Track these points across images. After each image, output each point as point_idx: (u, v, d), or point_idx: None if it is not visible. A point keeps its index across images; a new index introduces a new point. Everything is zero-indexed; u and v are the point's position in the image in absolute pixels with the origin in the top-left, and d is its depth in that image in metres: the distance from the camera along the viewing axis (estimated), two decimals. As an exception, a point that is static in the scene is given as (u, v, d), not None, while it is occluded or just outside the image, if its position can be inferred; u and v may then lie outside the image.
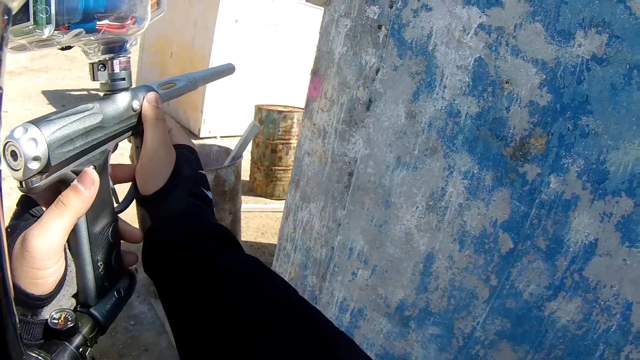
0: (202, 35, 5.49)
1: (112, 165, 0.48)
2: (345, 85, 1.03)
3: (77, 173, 0.40)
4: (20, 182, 0.36)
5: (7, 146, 0.35)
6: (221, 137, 5.77)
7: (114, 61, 0.45)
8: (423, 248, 0.96)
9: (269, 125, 3.77)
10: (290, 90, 6.05)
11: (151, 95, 0.49)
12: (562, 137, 0.83)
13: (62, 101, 6.54)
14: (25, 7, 0.33)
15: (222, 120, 5.76)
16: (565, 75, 0.83)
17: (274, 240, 3.33)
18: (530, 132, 0.86)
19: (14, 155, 0.35)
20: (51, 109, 6.21)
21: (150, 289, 2.25)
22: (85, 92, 7.36)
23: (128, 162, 1.61)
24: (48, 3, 0.33)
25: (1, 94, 0.26)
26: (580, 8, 0.80)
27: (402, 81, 0.96)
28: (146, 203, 0.49)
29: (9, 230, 0.37)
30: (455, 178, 0.91)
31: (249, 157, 4.19)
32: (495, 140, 0.88)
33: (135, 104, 0.47)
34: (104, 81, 0.45)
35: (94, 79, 0.45)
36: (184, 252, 0.44)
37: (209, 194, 0.53)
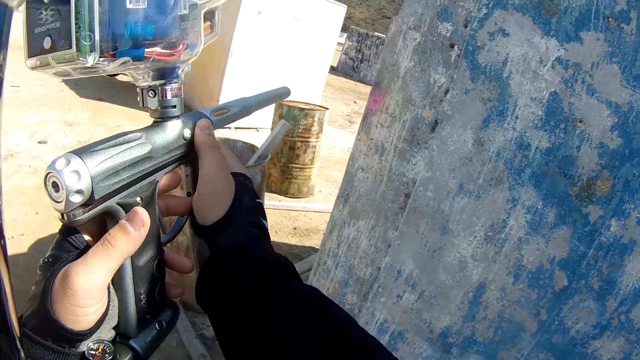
0: (224, 25, 5.73)
1: (165, 196, 0.52)
2: (409, 102, 1.14)
3: (122, 205, 0.42)
4: (62, 215, 0.37)
5: (48, 177, 0.36)
6: (236, 128, 6.06)
7: (166, 87, 0.46)
8: (476, 277, 1.09)
9: (289, 121, 3.97)
10: (309, 86, 6.63)
11: (203, 122, 0.53)
12: (627, 182, 0.96)
13: (76, 80, 6.48)
14: (67, 33, 0.34)
15: (237, 112, 6.19)
16: (636, 121, 0.95)
17: (287, 239, 3.48)
18: (598, 173, 0.98)
19: (55, 186, 0.36)
20: (63, 87, 6.21)
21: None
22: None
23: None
24: (92, 29, 0.35)
25: (1, 78, 0.29)
26: (658, 56, 0.92)
27: (473, 106, 1.07)
28: (205, 233, 0.52)
29: (50, 260, 0.41)
30: (518, 211, 1.04)
31: (265, 152, 4.42)
32: (563, 178, 1.00)
33: (187, 133, 0.50)
34: (153, 108, 0.47)
35: (143, 105, 0.47)
36: (244, 285, 0.48)
37: (266, 223, 0.59)
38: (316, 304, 0.48)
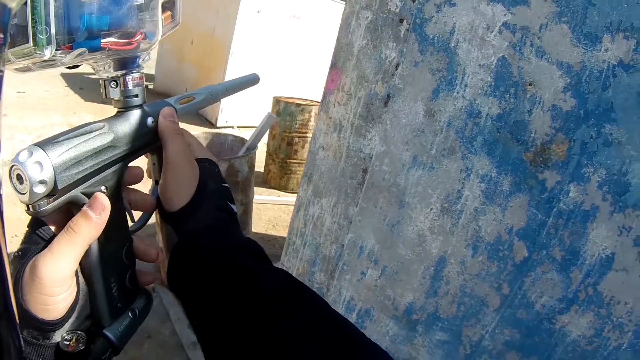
0: (224, 25, 6.04)
1: (130, 190, 0.53)
2: (363, 79, 1.13)
3: (87, 194, 0.42)
4: (27, 206, 0.38)
5: (12, 169, 0.37)
6: (238, 127, 6.27)
7: (127, 77, 0.47)
8: (435, 251, 1.05)
9: (286, 117, 4.08)
10: (309, 83, 6.64)
11: (167, 110, 0.53)
12: (584, 144, 0.90)
13: (81, 84, 6.89)
14: (24, 29, 0.35)
15: (239, 111, 6.32)
16: (590, 80, 0.90)
17: (284, 233, 3.51)
18: (552, 137, 0.93)
19: (19, 178, 0.37)
20: (68, 91, 6.58)
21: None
22: (104, 76, 7.81)
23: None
24: (47, 23, 0.35)
25: (2, 75, 0.29)
26: (608, 11, 0.87)
27: (422, 78, 1.04)
28: (172, 219, 0.52)
29: (19, 253, 0.42)
30: (472, 181, 1.00)
31: (265, 149, 4.49)
32: (516, 144, 0.96)
33: (150, 121, 0.50)
34: (116, 98, 0.47)
35: (106, 96, 0.47)
36: (215, 269, 0.47)
37: (234, 207, 0.58)
38: (290, 291, 0.48)
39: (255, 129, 2.00)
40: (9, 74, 0.33)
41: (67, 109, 5.74)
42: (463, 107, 1.00)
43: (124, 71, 0.46)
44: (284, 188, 4.45)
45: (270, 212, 3.85)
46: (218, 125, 6.09)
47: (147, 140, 0.51)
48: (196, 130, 3.86)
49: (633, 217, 0.88)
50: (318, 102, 4.51)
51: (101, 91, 0.48)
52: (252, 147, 1.99)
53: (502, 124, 0.97)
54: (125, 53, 0.44)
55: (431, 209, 1.05)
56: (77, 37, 0.38)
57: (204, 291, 0.48)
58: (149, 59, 0.49)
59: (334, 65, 1.18)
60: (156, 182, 0.56)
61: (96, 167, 0.43)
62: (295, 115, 4.07)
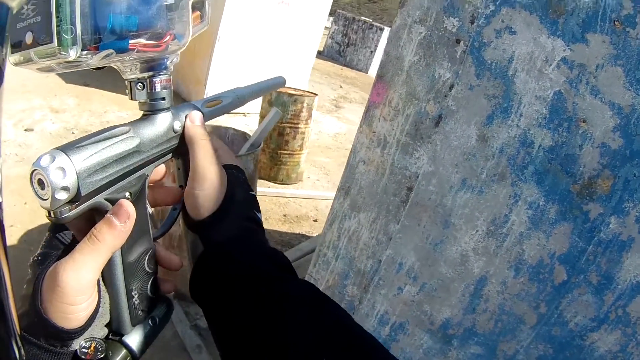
0: (211, 10, 5.82)
1: (152, 187, 0.51)
2: (413, 96, 1.12)
3: (111, 201, 0.41)
4: (49, 212, 0.37)
5: (34, 174, 0.36)
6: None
7: (154, 80, 0.45)
8: (477, 271, 1.10)
9: (277, 107, 4.00)
10: (297, 70, 6.61)
11: (194, 114, 0.51)
12: (627, 182, 0.98)
13: None
14: (48, 27, 0.33)
15: (225, 97, 6.26)
16: (638, 123, 0.96)
17: (277, 226, 3.46)
18: (599, 172, 0.99)
19: (41, 184, 0.36)
20: (44, 74, 6.14)
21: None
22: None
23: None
24: (73, 22, 0.33)
25: (2, 70, 0.29)
26: (661, 61, 0.93)
27: (477, 102, 1.06)
28: (198, 228, 0.51)
29: (39, 258, 0.41)
30: (520, 207, 1.04)
31: (254, 138, 4.41)
32: (565, 176, 1.01)
33: (177, 125, 0.48)
34: (142, 100, 0.46)
35: (131, 98, 0.46)
36: (240, 281, 0.47)
37: (260, 215, 0.58)
38: (314, 302, 0.47)
39: (259, 124, 1.93)
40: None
41: (48, 91, 5.31)
42: (517, 136, 1.04)
43: (151, 73, 0.45)
44: (273, 179, 4.36)
45: (261, 205, 3.76)
46: (204, 112, 5.98)
47: (174, 144, 0.49)
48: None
49: (665, 249, 0.97)
50: (310, 92, 4.41)
51: (126, 92, 0.46)
52: (257, 144, 1.91)
53: (553, 156, 1.02)
54: (153, 55, 0.42)
55: (477, 230, 1.09)
56: (103, 37, 0.36)
57: (226, 301, 0.48)
58: (177, 60, 0.47)
59: (380, 78, 1.16)
60: (180, 187, 0.55)
61: (121, 173, 0.41)
62: (288, 105, 3.97)
